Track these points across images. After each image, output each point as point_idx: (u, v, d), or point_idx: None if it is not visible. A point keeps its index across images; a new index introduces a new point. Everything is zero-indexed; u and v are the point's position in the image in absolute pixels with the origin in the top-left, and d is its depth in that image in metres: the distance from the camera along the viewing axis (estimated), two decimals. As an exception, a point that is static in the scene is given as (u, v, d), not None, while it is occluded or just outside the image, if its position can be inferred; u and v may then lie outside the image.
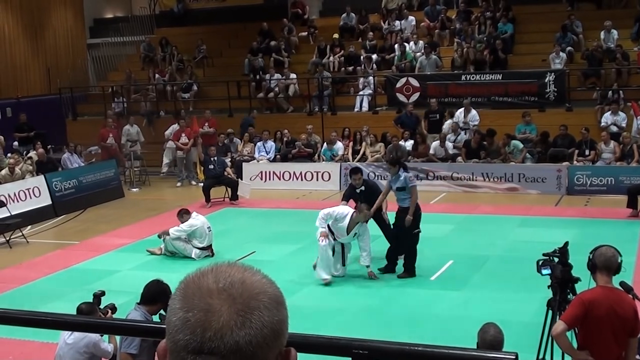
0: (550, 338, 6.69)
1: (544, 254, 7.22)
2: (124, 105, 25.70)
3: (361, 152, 20.45)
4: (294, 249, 14.07)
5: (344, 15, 26.33)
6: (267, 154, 21.15)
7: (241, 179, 19.58)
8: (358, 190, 12.78)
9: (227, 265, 1.44)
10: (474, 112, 20.59)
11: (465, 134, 20.40)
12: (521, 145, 19.15)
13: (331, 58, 24.80)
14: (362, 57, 24.02)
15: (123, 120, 23.44)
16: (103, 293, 7.31)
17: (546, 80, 20.80)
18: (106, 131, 21.95)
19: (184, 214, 13.79)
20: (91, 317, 6.42)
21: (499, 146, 19.31)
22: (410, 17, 25.27)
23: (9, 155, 19.65)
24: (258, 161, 21.05)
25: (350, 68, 24.18)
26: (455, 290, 11.40)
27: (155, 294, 6.79)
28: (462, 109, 20.69)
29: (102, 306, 7.23)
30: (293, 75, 24.19)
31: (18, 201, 17.34)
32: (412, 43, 24.19)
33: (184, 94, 25.51)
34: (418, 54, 23.73)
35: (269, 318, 1.35)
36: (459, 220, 15.85)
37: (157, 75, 26.21)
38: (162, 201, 19.35)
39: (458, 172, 19.00)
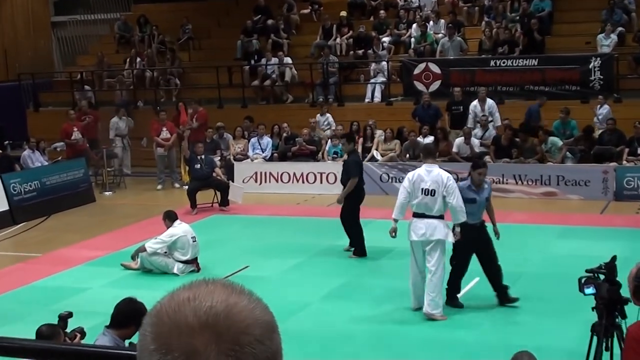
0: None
1: (587, 271, 7.20)
2: (94, 94, 25.71)
3: (372, 150, 20.43)
4: (294, 263, 14.05)
5: (353, -11, 26.37)
6: (263, 152, 21.15)
7: (232, 181, 19.57)
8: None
9: (205, 286, 1.41)
10: (490, 102, 20.54)
11: (494, 128, 20.38)
12: (560, 143, 19.12)
13: (338, 40, 24.80)
14: (373, 39, 24.01)
15: (99, 111, 23.45)
16: (70, 314, 7.28)
17: (590, 67, 20.76)
18: (69, 126, 21.87)
19: (167, 218, 13.74)
20: (54, 342, 6.40)
21: (534, 143, 19.28)
22: (431, -8, 25.32)
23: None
24: (252, 160, 21.05)
25: (360, 51, 24.18)
26: (483, 311, 11.37)
27: (127, 316, 6.76)
28: (476, 101, 20.61)
29: (68, 330, 7.21)
30: (288, 60, 24.16)
31: (-30, 206, 17.37)
32: (432, 22, 24.17)
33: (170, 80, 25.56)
34: (439, 35, 23.71)
35: (262, 354, 1.33)
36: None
37: (138, 59, 26.21)
38: (139, 207, 19.33)
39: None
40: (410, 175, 11.39)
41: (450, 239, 11.07)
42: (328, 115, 22.04)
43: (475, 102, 20.65)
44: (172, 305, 1.38)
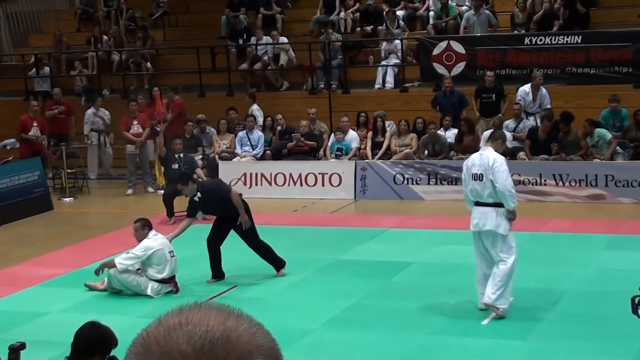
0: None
1: (641, 289, 7.20)
2: (51, 80, 25.72)
3: (384, 146, 20.44)
4: (291, 282, 14.06)
5: (360, -47, 26.39)
6: (254, 149, 21.16)
7: (216, 184, 19.58)
8: (196, 198, 14.24)
9: (199, 310, 1.42)
10: (544, 91, 20.51)
11: (528, 118, 20.33)
12: (609, 136, 19.10)
13: (342, 14, 24.82)
14: (385, 13, 24.02)
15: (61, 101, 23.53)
16: (22, 345, 7.27)
17: (644, 44, 20.79)
18: (29, 118, 21.92)
19: (140, 229, 13.66)
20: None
21: (577, 137, 19.27)
22: (453, -44, 25.34)
23: None
24: (241, 159, 21.05)
25: (369, 28, 24.19)
26: (517, 338, 11.38)
27: (89, 344, 6.76)
28: (527, 86, 20.56)
29: (21, 364, 7.22)
30: (283, 39, 24.15)
31: None
32: (455, -8, 24.22)
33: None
34: (463, 7, 23.72)
35: None
36: (521, 240, 15.75)
37: (104, 38, 26.20)
38: (106, 215, 19.33)
39: (520, 173, 18.94)
40: (466, 161, 12.28)
41: (502, 230, 11.58)
42: (254, 106, 22.07)
43: (526, 89, 20.51)
44: (161, 332, 1.38)
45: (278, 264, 14.16)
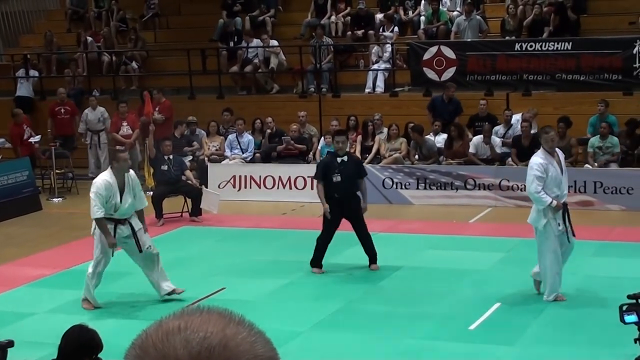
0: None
1: (629, 296, 7.21)
2: (41, 81, 25.66)
3: (374, 150, 20.43)
4: (279, 285, 14.05)
5: (352, -43, 26.40)
6: (243, 152, 21.14)
7: (206, 187, 19.55)
8: (339, 160, 14.25)
9: (198, 315, 1.41)
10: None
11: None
12: (619, 148, 18.96)
13: (333, 18, 24.81)
14: (376, 17, 24.01)
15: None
16: (10, 343, 7.27)
17: (635, 51, 20.79)
18: (17, 127, 21.83)
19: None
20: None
21: (570, 144, 19.22)
22: (445, -38, 25.36)
23: None
24: (230, 161, 21.03)
25: (360, 32, 24.18)
26: (504, 344, 11.39)
27: (78, 347, 6.74)
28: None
29: (9, 363, 7.20)
30: (274, 42, 24.13)
31: None
32: (446, -2, 24.25)
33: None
34: (454, 13, 23.72)
35: None
36: (509, 246, 15.84)
37: (89, 39, 26.16)
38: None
39: (509, 179, 18.96)
40: None
41: (539, 227, 12.37)
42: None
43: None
44: (159, 335, 1.37)
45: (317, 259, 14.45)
